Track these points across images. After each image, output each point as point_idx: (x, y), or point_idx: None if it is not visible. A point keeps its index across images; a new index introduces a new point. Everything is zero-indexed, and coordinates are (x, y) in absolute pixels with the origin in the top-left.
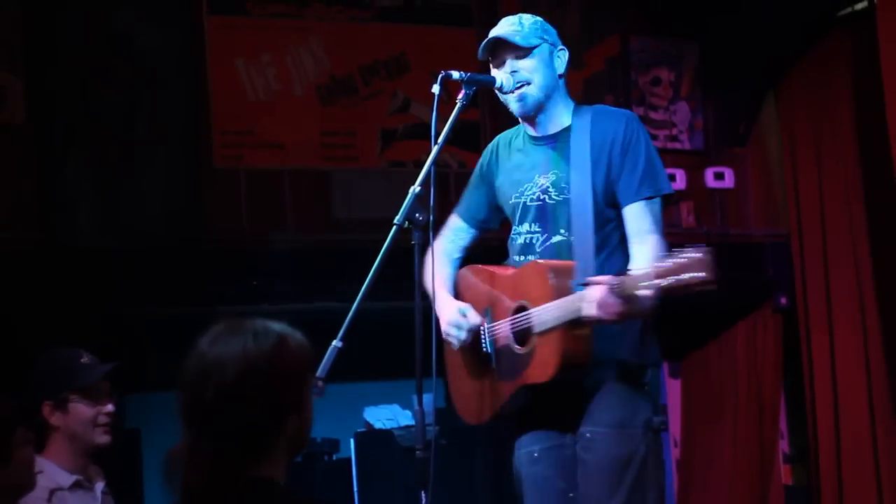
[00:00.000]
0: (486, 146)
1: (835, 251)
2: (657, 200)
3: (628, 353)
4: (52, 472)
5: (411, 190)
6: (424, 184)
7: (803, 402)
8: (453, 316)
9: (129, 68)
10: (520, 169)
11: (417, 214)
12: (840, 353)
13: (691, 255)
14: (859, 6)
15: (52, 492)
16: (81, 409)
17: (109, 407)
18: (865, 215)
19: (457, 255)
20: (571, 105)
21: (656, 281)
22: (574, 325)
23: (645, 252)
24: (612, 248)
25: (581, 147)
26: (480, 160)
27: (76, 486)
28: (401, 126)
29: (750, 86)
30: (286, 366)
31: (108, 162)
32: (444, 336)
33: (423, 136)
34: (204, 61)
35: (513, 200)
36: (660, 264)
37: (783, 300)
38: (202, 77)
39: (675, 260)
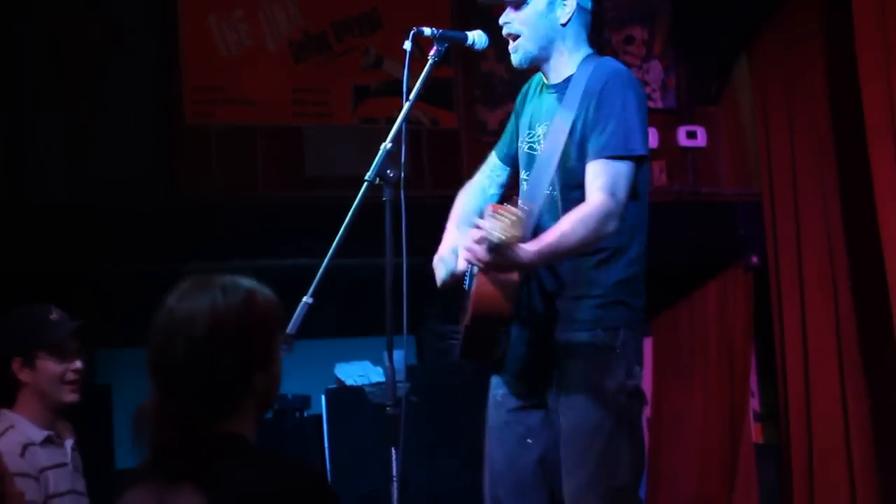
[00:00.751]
0: (458, 103)
1: (806, 211)
2: (626, 162)
3: (597, 313)
4: (23, 427)
5: (383, 146)
6: (396, 140)
7: (774, 361)
8: (443, 251)
9: (99, 24)
10: (529, 115)
11: (389, 171)
12: (810, 312)
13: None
14: None
15: (24, 446)
16: (50, 367)
17: (78, 364)
18: (837, 175)
19: (493, 190)
20: (582, 53)
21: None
22: (496, 270)
23: (575, 212)
24: (573, 203)
25: (571, 101)
26: (516, 100)
27: (47, 441)
28: (373, 83)
29: (723, 45)
30: (255, 321)
31: (77, 118)
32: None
33: (395, 92)
34: (175, 16)
35: (518, 145)
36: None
37: (754, 259)
38: (173, 32)
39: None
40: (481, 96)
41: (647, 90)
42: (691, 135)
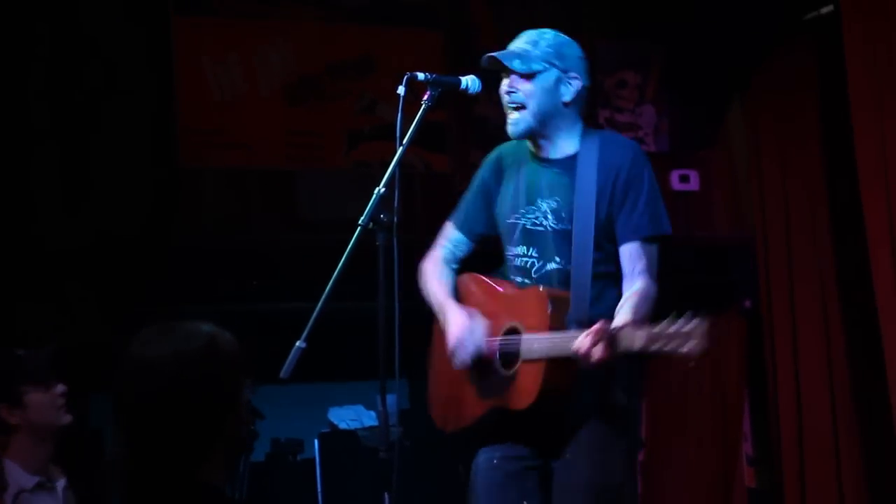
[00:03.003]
0: (451, 147)
1: (799, 255)
2: (657, 243)
3: (618, 386)
4: (15, 475)
5: (376, 191)
6: (389, 185)
7: (767, 404)
8: (463, 331)
9: (94, 67)
10: (522, 189)
11: (382, 215)
12: (803, 355)
13: (689, 326)
14: (825, 10)
15: (15, 495)
16: (37, 398)
17: (61, 387)
18: (829, 219)
19: (454, 265)
20: (579, 130)
21: (650, 345)
22: (560, 359)
23: (634, 294)
24: (605, 282)
25: (587, 176)
26: (481, 170)
27: (38, 487)
28: (367, 127)
29: (716, 89)
30: (218, 365)
31: (73, 161)
32: (452, 350)
33: (389, 136)
34: (170, 60)
35: (511, 220)
36: (657, 330)
37: (747, 303)
38: (168, 76)
39: (674, 328)
40: (474, 140)
41: (640, 134)
42: (684, 179)
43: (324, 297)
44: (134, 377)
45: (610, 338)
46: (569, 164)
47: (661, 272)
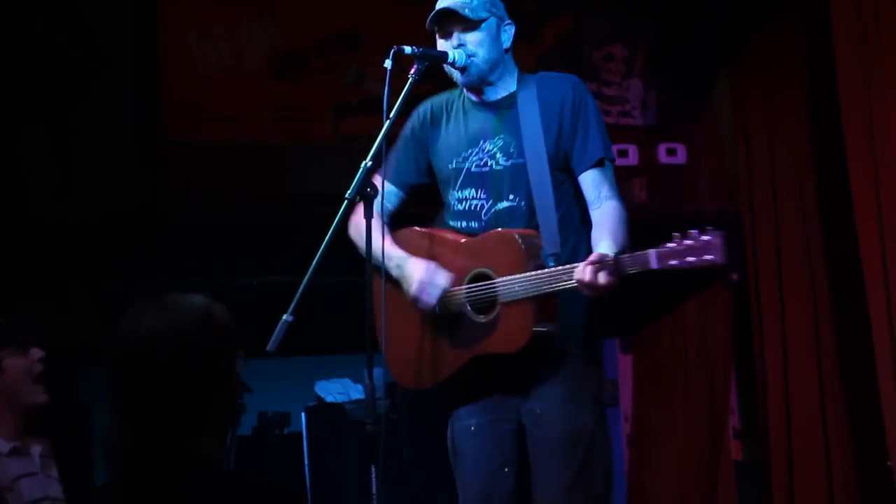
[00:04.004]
0: None
1: (786, 228)
2: (610, 165)
3: (590, 322)
4: None
5: (363, 164)
6: (376, 158)
7: (754, 377)
8: (427, 274)
9: (79, 41)
10: (461, 134)
11: (368, 189)
12: (791, 328)
13: (702, 237)
14: None
15: None
16: (16, 363)
17: (37, 352)
18: (817, 192)
19: (385, 220)
20: (516, 71)
21: (667, 261)
22: (545, 295)
23: (609, 218)
24: (564, 211)
25: (530, 112)
26: (409, 123)
27: (14, 452)
28: (354, 100)
29: (703, 63)
30: (215, 337)
31: (58, 135)
32: (416, 294)
33: (376, 110)
34: (156, 34)
35: (453, 165)
36: (671, 245)
37: (734, 276)
38: (154, 50)
39: (686, 242)
40: None
41: (628, 107)
42: (671, 152)
43: (310, 270)
44: (128, 349)
45: (614, 263)
46: (508, 102)
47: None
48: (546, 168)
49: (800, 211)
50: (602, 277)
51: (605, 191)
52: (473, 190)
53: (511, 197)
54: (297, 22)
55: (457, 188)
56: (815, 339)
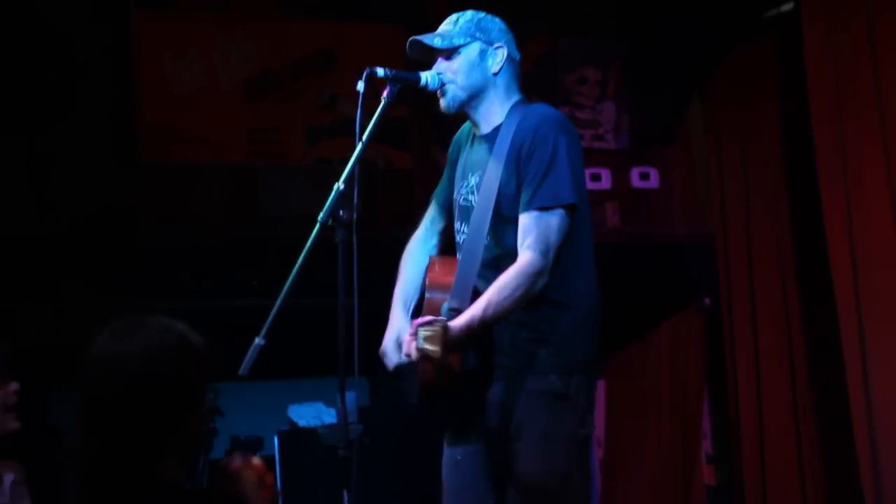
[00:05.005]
0: (412, 144)
1: (759, 252)
2: (557, 211)
3: (547, 365)
4: None
5: (335, 187)
6: (348, 181)
7: (726, 402)
8: (388, 343)
9: (56, 62)
10: (462, 165)
11: (341, 212)
12: (764, 352)
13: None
14: (785, 8)
15: None
16: None
17: (15, 385)
18: (790, 216)
19: (433, 240)
20: (512, 101)
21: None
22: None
23: (506, 274)
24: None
25: (501, 149)
26: (450, 148)
27: None
28: (328, 122)
29: (676, 86)
30: (188, 363)
31: (33, 156)
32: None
33: (350, 132)
34: (131, 55)
35: (453, 197)
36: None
37: (707, 301)
38: (129, 71)
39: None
40: (435, 136)
41: (601, 131)
42: (644, 176)
43: (283, 293)
44: (100, 370)
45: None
46: (492, 136)
47: (618, 270)
48: (489, 213)
49: (773, 232)
50: (406, 347)
51: (529, 240)
52: (460, 223)
53: None
54: (270, 43)
55: (455, 220)
56: (788, 361)
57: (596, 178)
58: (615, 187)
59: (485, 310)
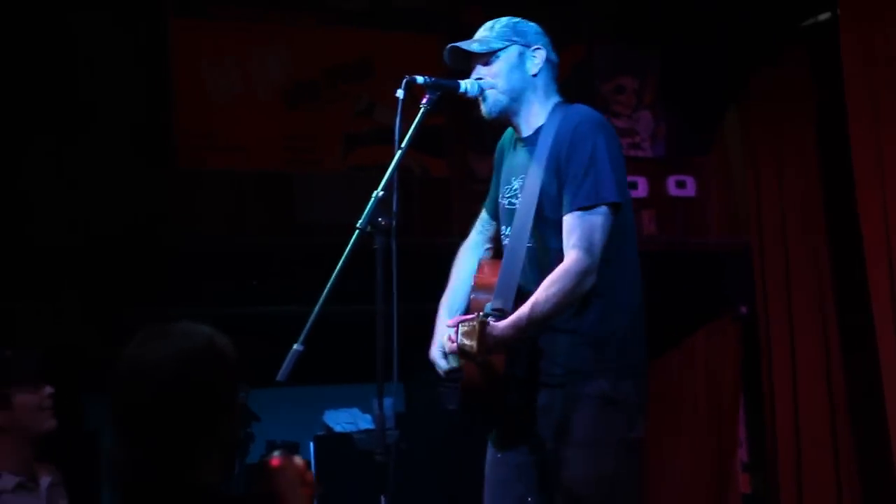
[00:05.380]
0: (449, 151)
1: (795, 260)
2: (600, 209)
3: (595, 369)
4: None
5: (374, 194)
6: (387, 188)
7: (762, 410)
8: (433, 350)
9: (90, 68)
10: (505, 170)
11: (380, 219)
12: (800, 361)
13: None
14: (822, 17)
15: None
16: (26, 399)
17: (49, 389)
18: (826, 225)
19: (486, 245)
20: (552, 103)
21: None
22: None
23: (552, 275)
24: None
25: (542, 150)
26: (495, 154)
27: (19, 487)
28: (364, 130)
29: (712, 95)
30: (216, 367)
31: (68, 163)
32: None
33: (386, 140)
34: (168, 63)
35: (499, 201)
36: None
37: (743, 309)
38: (166, 78)
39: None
40: (472, 144)
41: (637, 139)
42: (681, 184)
43: (321, 299)
44: (133, 378)
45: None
46: (534, 138)
47: (663, 282)
48: (531, 215)
49: (809, 241)
50: (448, 345)
51: (572, 240)
52: (505, 227)
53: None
54: (307, 51)
55: (501, 224)
56: (825, 369)
57: (633, 186)
58: (651, 195)
59: (532, 309)
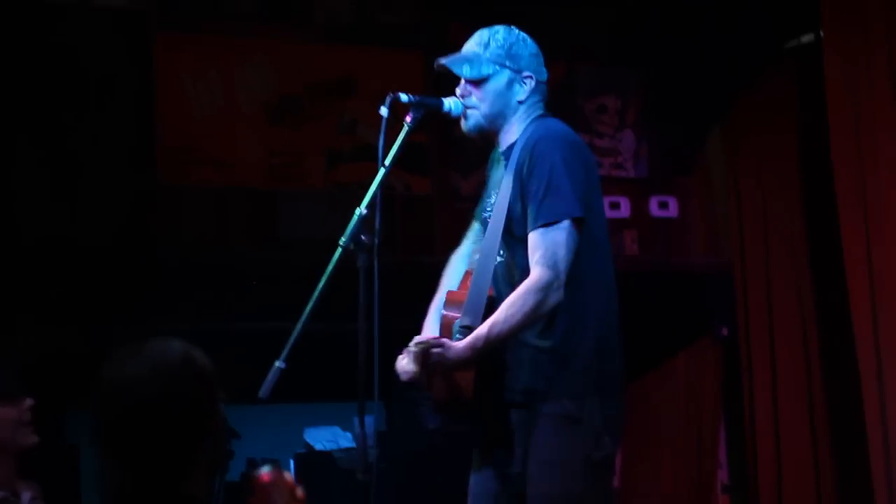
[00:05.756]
0: (432, 169)
1: (777, 282)
2: (562, 225)
3: (560, 388)
4: None
5: (357, 211)
6: (370, 206)
7: (742, 432)
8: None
9: (73, 82)
10: (490, 182)
11: (363, 236)
12: (781, 382)
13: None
14: (806, 39)
15: None
16: (6, 414)
17: (29, 401)
18: (808, 246)
19: (476, 255)
20: (531, 118)
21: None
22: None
23: (515, 292)
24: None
25: (511, 168)
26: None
27: (2, 502)
28: (347, 147)
29: (696, 115)
30: (195, 379)
31: (49, 177)
32: None
33: (369, 157)
34: (151, 76)
35: (483, 213)
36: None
37: (724, 331)
38: (149, 93)
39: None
40: (455, 163)
41: (620, 159)
42: (663, 205)
43: (303, 316)
44: (112, 397)
45: (419, 352)
46: (507, 153)
47: (646, 301)
48: (499, 231)
49: (791, 265)
50: (403, 364)
51: (536, 257)
52: (482, 241)
53: (501, 253)
54: (291, 67)
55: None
56: (806, 391)
57: (615, 206)
58: (634, 216)
59: (490, 328)
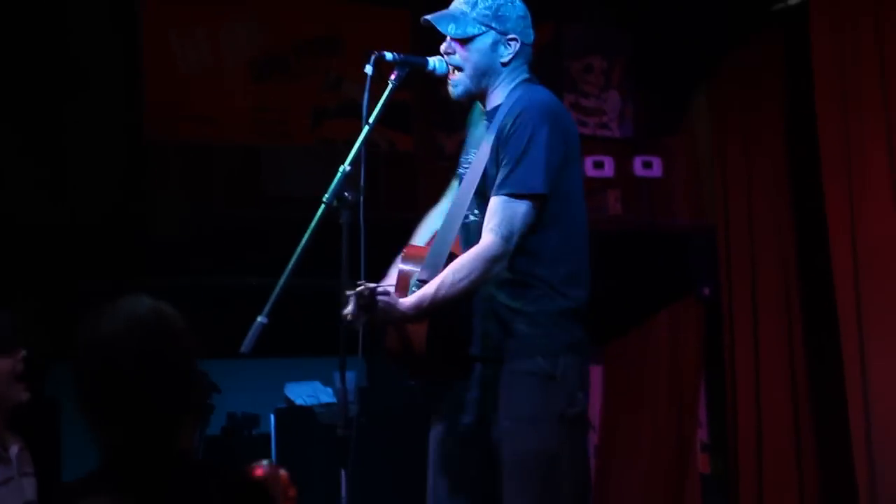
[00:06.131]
0: (416, 127)
1: (760, 243)
2: (524, 201)
3: (534, 347)
4: None
5: (341, 169)
6: (354, 163)
7: (723, 391)
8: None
9: (59, 41)
10: (469, 141)
11: (346, 193)
12: (763, 343)
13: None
14: (793, 2)
15: None
16: (2, 365)
17: (23, 352)
18: (792, 209)
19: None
20: (517, 82)
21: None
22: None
23: (466, 254)
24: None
25: (492, 130)
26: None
27: None
28: (332, 104)
29: (682, 76)
30: (168, 333)
31: (37, 135)
32: None
33: (354, 114)
34: (137, 32)
35: (459, 170)
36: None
37: (706, 291)
38: (135, 48)
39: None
40: (439, 121)
41: (605, 119)
42: (647, 165)
43: (286, 273)
44: (91, 354)
45: (366, 296)
46: (491, 114)
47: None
48: (472, 190)
49: (775, 225)
50: (350, 311)
51: (492, 223)
52: None
53: (476, 212)
54: (277, 25)
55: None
56: (787, 351)
57: (599, 165)
58: (618, 175)
59: (437, 290)
